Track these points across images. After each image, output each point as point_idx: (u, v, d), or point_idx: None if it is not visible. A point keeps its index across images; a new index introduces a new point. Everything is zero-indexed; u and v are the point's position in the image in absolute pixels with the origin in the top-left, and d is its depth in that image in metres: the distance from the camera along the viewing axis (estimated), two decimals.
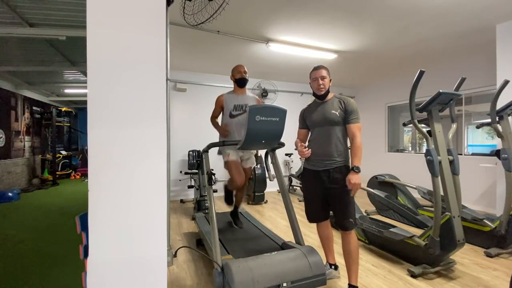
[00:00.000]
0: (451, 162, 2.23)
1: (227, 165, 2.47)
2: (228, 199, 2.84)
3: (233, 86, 2.60)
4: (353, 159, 1.85)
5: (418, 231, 2.64)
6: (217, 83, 5.33)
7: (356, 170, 1.78)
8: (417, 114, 2.16)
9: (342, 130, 1.93)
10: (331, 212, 2.04)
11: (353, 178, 1.77)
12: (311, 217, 2.10)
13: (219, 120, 2.63)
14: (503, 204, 2.66)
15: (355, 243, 1.90)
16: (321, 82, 1.94)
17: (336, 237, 2.94)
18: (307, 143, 2.09)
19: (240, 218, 2.76)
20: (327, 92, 1.98)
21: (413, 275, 2.14)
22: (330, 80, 2.00)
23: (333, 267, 2.14)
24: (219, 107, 2.54)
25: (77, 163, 8.84)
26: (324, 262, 2.06)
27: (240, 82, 2.49)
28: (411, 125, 2.20)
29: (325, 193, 1.95)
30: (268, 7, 2.97)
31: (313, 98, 2.09)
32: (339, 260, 2.22)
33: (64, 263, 2.45)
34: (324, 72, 1.96)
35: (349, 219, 1.87)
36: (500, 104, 2.69)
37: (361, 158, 1.84)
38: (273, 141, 1.88)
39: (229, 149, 2.44)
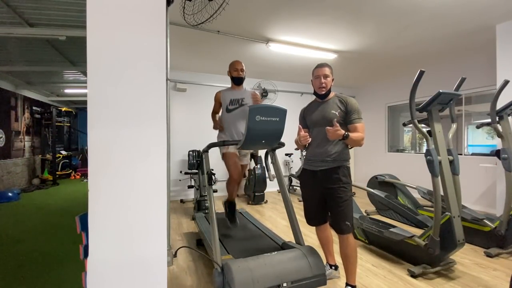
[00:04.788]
0: (451, 162, 2.23)
1: (224, 156, 2.49)
2: (230, 215, 2.63)
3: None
4: (351, 134, 1.78)
5: (418, 231, 2.64)
6: (217, 83, 5.33)
7: (344, 136, 1.71)
8: (417, 114, 2.15)
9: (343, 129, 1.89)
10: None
11: (335, 127, 1.69)
12: (310, 220, 2.07)
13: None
14: (503, 204, 2.66)
15: (352, 247, 1.86)
16: (323, 80, 1.89)
17: (336, 237, 2.94)
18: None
19: (236, 216, 2.66)
20: (329, 91, 1.94)
21: (413, 275, 2.14)
22: (333, 80, 1.95)
23: (333, 267, 2.14)
24: (218, 103, 2.61)
25: (77, 163, 8.84)
26: (324, 262, 2.05)
27: (236, 81, 2.53)
28: (411, 125, 2.20)
29: (322, 193, 1.92)
30: (268, 7, 2.97)
31: (314, 97, 2.07)
32: (339, 260, 2.22)
33: (64, 263, 2.45)
34: (327, 71, 1.90)
35: (345, 221, 1.82)
36: (500, 104, 2.69)
37: (355, 144, 1.81)
38: (273, 141, 1.88)
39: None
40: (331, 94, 1.97)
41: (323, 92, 1.92)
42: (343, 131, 1.70)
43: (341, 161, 1.89)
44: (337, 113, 1.86)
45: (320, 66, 1.94)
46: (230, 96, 2.50)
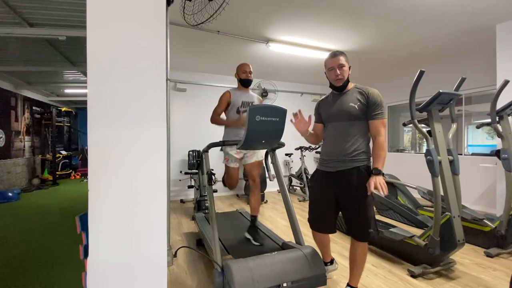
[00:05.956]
0: (451, 162, 2.23)
1: (225, 167, 2.48)
2: (251, 229, 2.42)
3: (237, 84, 2.60)
4: (374, 160, 1.62)
5: (418, 231, 2.64)
6: (217, 83, 5.33)
7: (375, 172, 1.56)
8: (417, 114, 2.15)
9: (362, 126, 1.70)
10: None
11: (372, 179, 1.56)
12: (318, 227, 1.87)
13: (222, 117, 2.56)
14: (503, 204, 2.66)
15: (362, 250, 1.74)
16: (338, 72, 1.69)
17: (336, 236, 2.94)
18: (322, 141, 1.92)
19: (259, 232, 2.37)
20: (346, 82, 1.73)
21: (413, 275, 2.14)
22: (350, 68, 1.74)
23: (328, 263, 2.10)
24: (225, 103, 2.46)
25: (77, 163, 8.84)
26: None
27: (245, 83, 2.50)
28: (411, 125, 2.20)
29: (338, 199, 1.73)
30: (268, 7, 2.97)
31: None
32: (340, 260, 2.22)
33: (64, 263, 2.45)
34: (342, 60, 1.69)
35: (369, 229, 1.64)
36: (500, 104, 2.69)
37: (385, 159, 1.61)
38: (273, 141, 1.88)
39: (231, 151, 2.43)
40: (350, 85, 1.76)
41: (340, 84, 1.72)
42: (377, 179, 1.55)
43: (362, 160, 1.69)
44: (356, 106, 1.67)
45: (333, 55, 1.73)
46: (241, 98, 2.45)
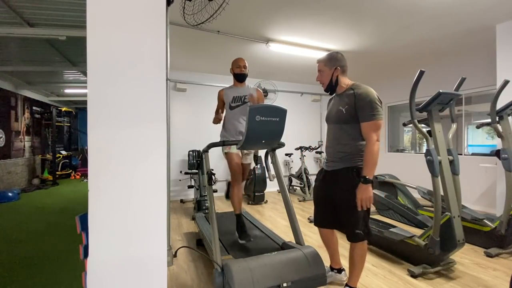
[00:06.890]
0: (451, 162, 2.23)
1: (227, 155, 2.46)
2: (239, 229, 2.41)
3: (232, 80, 2.61)
4: (363, 167, 1.60)
5: (418, 231, 2.64)
6: (217, 83, 5.31)
7: (364, 181, 1.55)
8: (417, 114, 2.15)
9: (351, 129, 1.70)
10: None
11: (359, 191, 1.57)
12: (316, 220, 1.98)
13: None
14: (503, 204, 2.66)
15: (360, 252, 1.75)
16: (318, 79, 1.81)
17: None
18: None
19: (247, 230, 2.31)
20: (335, 85, 1.76)
21: (413, 275, 2.14)
22: (336, 69, 1.74)
23: (335, 271, 2.06)
24: (221, 101, 2.59)
25: (77, 163, 8.84)
26: (326, 262, 2.04)
27: (239, 77, 2.51)
28: (411, 125, 2.20)
29: (332, 197, 1.80)
30: (268, 7, 2.97)
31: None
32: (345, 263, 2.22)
33: (64, 263, 2.45)
34: (321, 65, 1.78)
35: (356, 230, 1.67)
36: (500, 104, 2.69)
37: (375, 166, 1.57)
38: (273, 141, 1.88)
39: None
40: (345, 86, 1.77)
41: (324, 89, 1.83)
42: (365, 190, 1.55)
43: (354, 161, 1.71)
44: (344, 109, 1.68)
45: (317, 61, 1.83)
46: (232, 94, 2.49)
